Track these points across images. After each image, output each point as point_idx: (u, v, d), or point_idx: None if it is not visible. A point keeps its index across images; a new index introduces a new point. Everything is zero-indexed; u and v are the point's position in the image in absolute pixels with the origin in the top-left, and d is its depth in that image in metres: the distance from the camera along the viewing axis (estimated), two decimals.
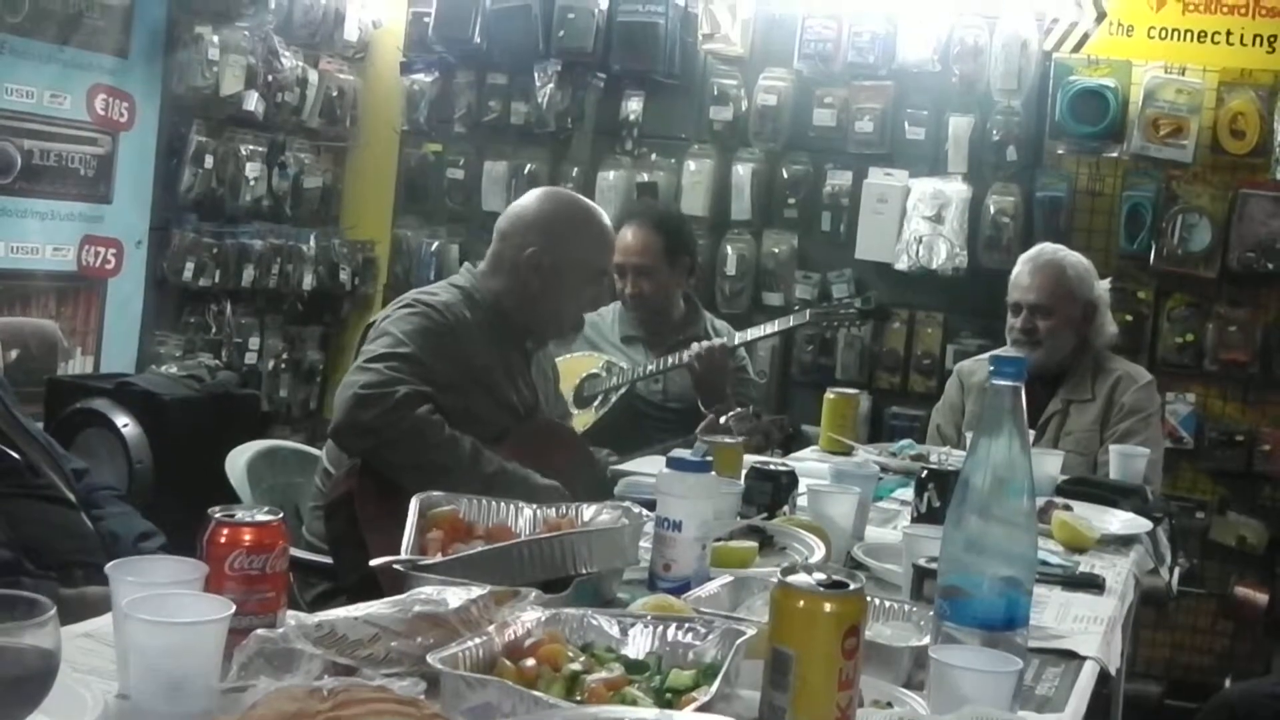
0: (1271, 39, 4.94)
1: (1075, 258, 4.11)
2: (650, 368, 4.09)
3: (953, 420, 4.16)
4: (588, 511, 2.16)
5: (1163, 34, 5.04)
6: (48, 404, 4.72)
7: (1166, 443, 4.41)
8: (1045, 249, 4.17)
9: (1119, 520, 3.09)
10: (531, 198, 3.32)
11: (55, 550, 2.62)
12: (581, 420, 3.99)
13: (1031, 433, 3.30)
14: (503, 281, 3.21)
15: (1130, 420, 3.92)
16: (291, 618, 1.53)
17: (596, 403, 4.12)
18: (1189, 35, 5.00)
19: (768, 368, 5.34)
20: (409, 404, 2.85)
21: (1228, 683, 4.72)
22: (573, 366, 4.09)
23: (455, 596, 1.58)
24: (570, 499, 2.97)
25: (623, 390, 4.11)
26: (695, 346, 3.98)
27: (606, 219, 3.33)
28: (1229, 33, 4.97)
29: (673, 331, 4.28)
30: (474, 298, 3.17)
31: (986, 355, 3.81)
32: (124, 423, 4.57)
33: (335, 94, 5.93)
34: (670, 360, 4.04)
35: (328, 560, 2.92)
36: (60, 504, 2.75)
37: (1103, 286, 4.14)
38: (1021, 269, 4.10)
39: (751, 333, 4.21)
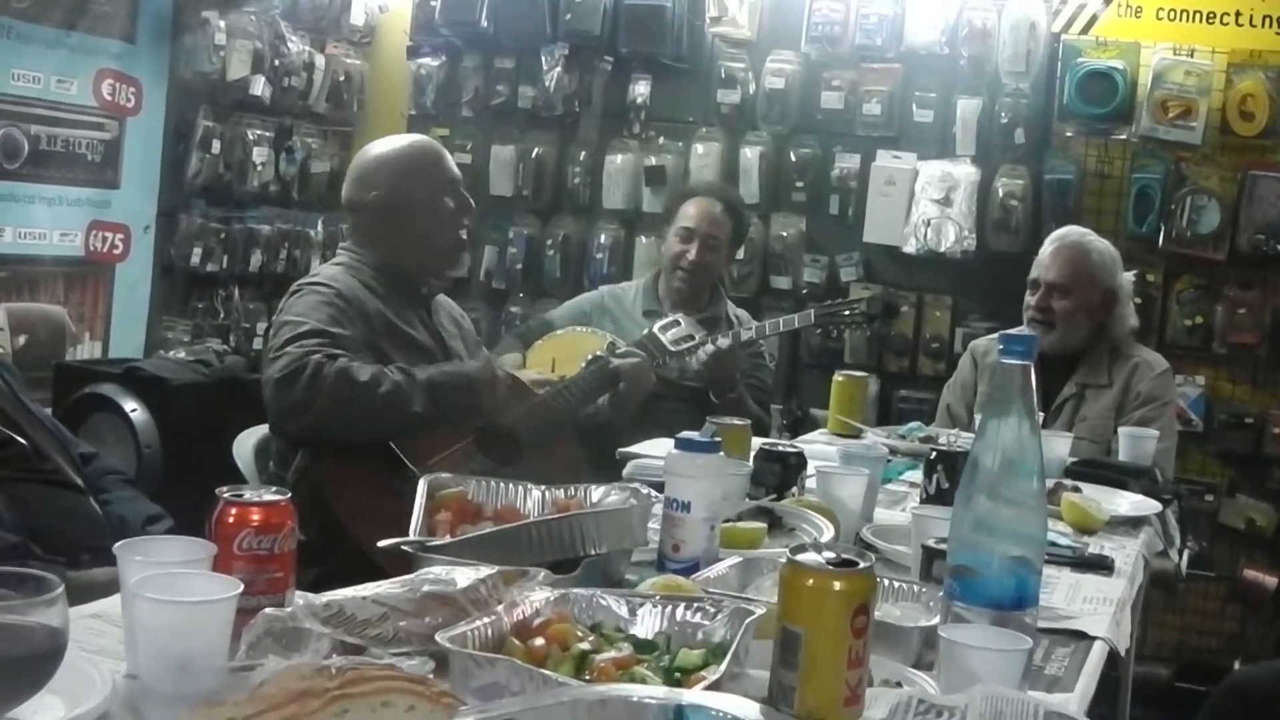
0: None
1: (1102, 244, 4.09)
2: (657, 359, 4.09)
3: (964, 399, 4.15)
4: (596, 492, 2.16)
5: (1171, 15, 5.02)
6: (56, 389, 4.72)
7: (1176, 426, 4.40)
8: (1073, 231, 4.16)
9: (1128, 502, 3.08)
10: (357, 158, 3.45)
11: (63, 534, 2.62)
12: None
13: (1043, 415, 3.32)
14: (371, 244, 3.29)
15: (1146, 408, 3.90)
16: (300, 597, 1.53)
17: None
18: (1198, 16, 4.99)
19: (776, 351, 5.33)
20: (324, 366, 2.91)
21: (1237, 665, 4.71)
22: (577, 344, 4.08)
23: (464, 576, 1.58)
24: (504, 393, 3.18)
25: None
26: (701, 353, 3.98)
27: (431, 140, 3.54)
28: (1238, 13, 4.95)
29: (695, 312, 4.31)
30: (354, 266, 3.26)
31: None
32: (132, 408, 4.57)
33: (342, 78, 5.92)
34: (675, 350, 4.05)
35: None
36: (68, 488, 2.76)
37: (1127, 277, 4.13)
38: (1046, 248, 4.09)
39: (755, 329, 4.21)
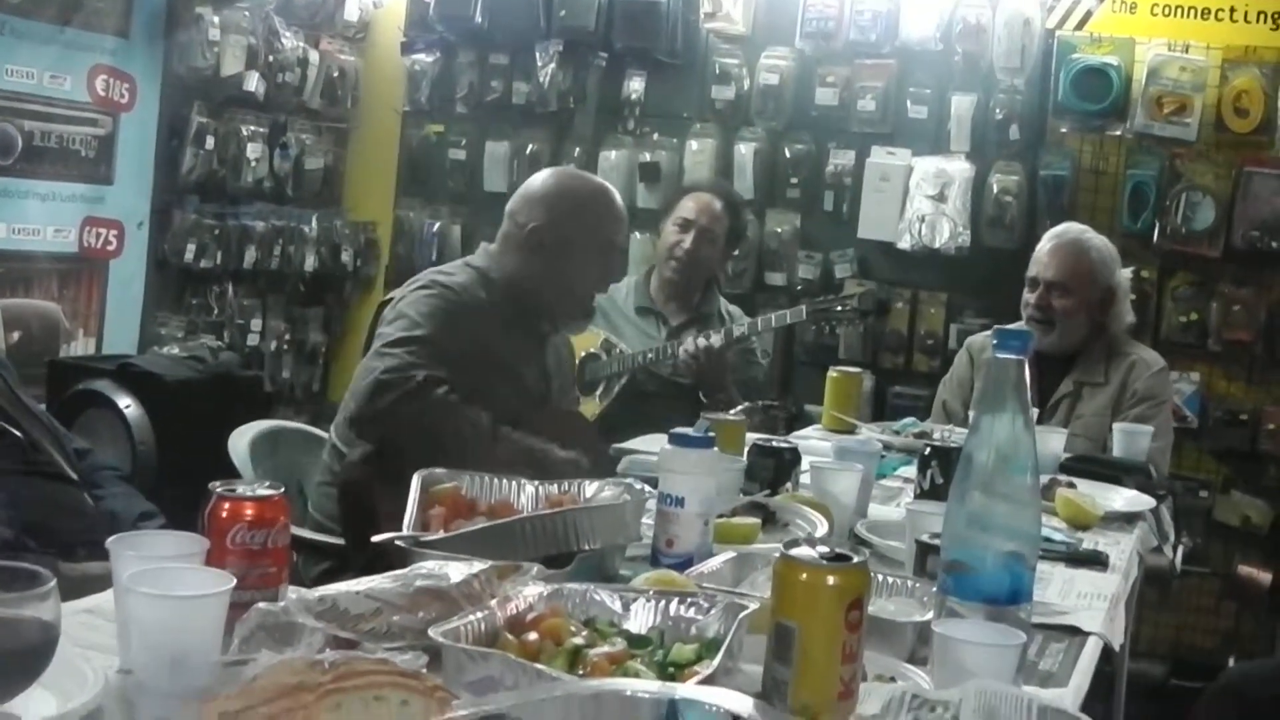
0: (1276, 16, 4.91)
1: (1100, 241, 4.08)
2: (650, 356, 4.10)
3: (961, 396, 4.13)
4: (590, 487, 2.15)
5: (1166, 11, 5.02)
6: (50, 386, 4.72)
7: (1173, 424, 4.39)
8: (1071, 228, 4.14)
9: (1123, 498, 3.08)
10: (538, 176, 3.30)
11: (57, 528, 2.63)
12: (586, 409, 4.00)
13: (1035, 411, 3.31)
14: (513, 261, 3.18)
15: (1142, 406, 3.88)
16: (293, 592, 1.53)
17: (600, 391, 4.13)
18: (1192, 12, 4.98)
19: (771, 347, 5.32)
20: (427, 388, 2.85)
21: (1232, 662, 4.72)
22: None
23: (457, 571, 1.58)
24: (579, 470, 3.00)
25: (624, 379, 4.12)
26: (690, 344, 3.98)
27: (615, 195, 3.28)
28: (1233, 9, 4.95)
29: (688, 309, 4.31)
30: (489, 277, 3.16)
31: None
32: (126, 404, 4.57)
33: (336, 74, 5.91)
34: (668, 349, 4.05)
35: (331, 540, 2.92)
36: (62, 482, 2.76)
37: (1124, 274, 4.12)
38: (1044, 245, 4.06)
39: (748, 325, 4.21)
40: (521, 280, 3.17)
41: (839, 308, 4.18)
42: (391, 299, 3.11)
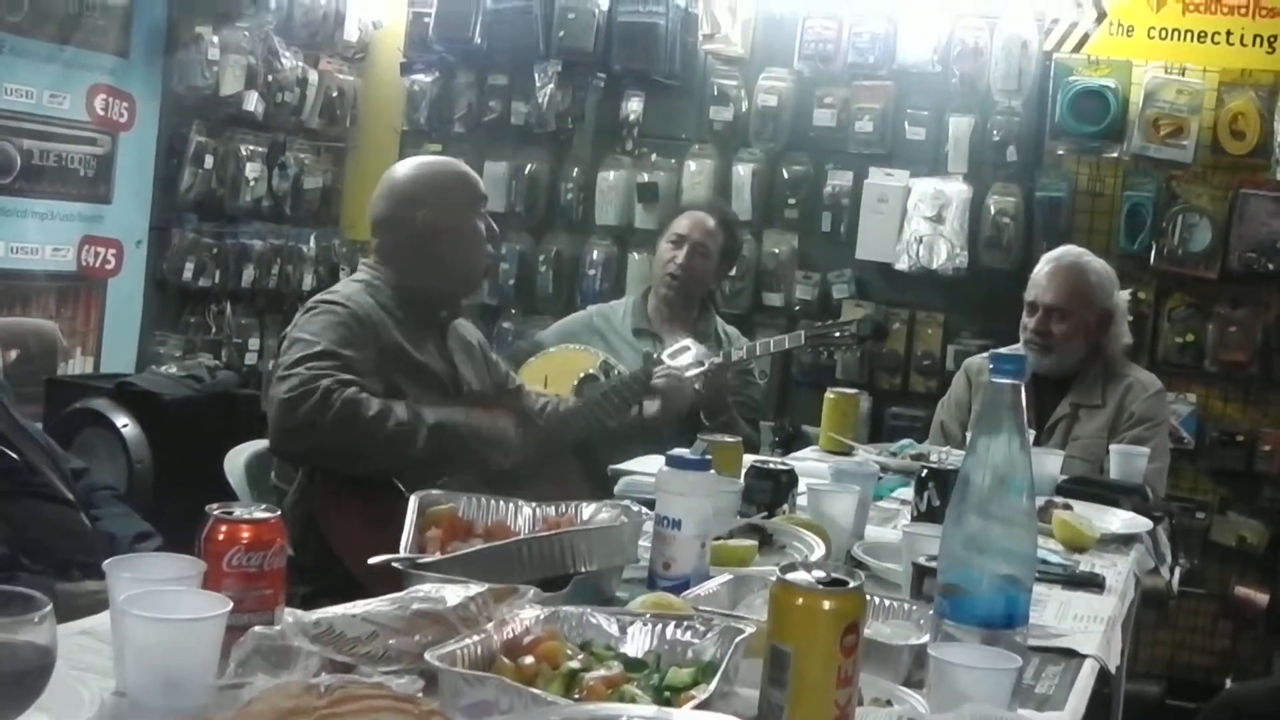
0: (1272, 39, 4.94)
1: (1098, 264, 4.08)
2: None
3: (959, 417, 4.13)
4: (587, 510, 2.15)
5: (1163, 34, 5.04)
6: (47, 404, 4.72)
7: (1169, 445, 4.39)
8: (1070, 251, 4.14)
9: (1119, 519, 3.08)
10: (398, 172, 3.36)
11: (53, 549, 2.63)
12: None
13: (1033, 433, 3.31)
14: (400, 263, 3.24)
15: (1139, 429, 3.88)
16: (289, 615, 1.53)
17: None
18: (1189, 35, 5.00)
19: (768, 368, 5.34)
20: (334, 393, 2.85)
21: (1228, 683, 4.72)
22: (570, 362, 4.09)
23: (454, 594, 1.58)
24: (517, 445, 3.10)
25: None
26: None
27: (450, 159, 3.58)
28: (1229, 33, 4.97)
29: (685, 330, 4.31)
30: (374, 285, 3.20)
31: None
32: (123, 423, 4.57)
33: (335, 94, 5.93)
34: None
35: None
36: (58, 503, 2.76)
37: (1122, 296, 4.12)
38: (1042, 268, 4.06)
39: (746, 349, 4.21)
40: (417, 276, 3.23)
41: (837, 333, 4.17)
42: (286, 334, 3.12)
